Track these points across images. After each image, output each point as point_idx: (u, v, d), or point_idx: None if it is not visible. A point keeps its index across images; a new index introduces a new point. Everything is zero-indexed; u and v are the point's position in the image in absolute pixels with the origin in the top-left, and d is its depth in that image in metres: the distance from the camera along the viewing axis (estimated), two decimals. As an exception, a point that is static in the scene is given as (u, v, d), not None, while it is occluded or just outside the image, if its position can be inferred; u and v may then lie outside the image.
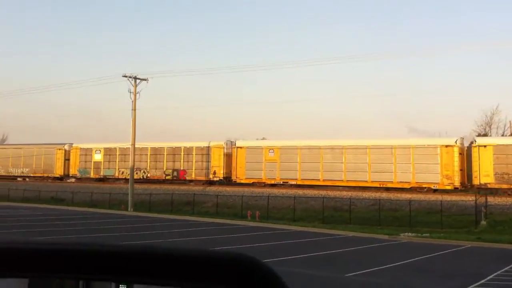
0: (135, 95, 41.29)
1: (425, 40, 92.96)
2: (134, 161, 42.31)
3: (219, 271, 0.94)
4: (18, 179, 58.77)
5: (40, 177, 57.05)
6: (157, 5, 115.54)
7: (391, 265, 16.52)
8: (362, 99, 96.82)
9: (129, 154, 43.38)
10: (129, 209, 39.66)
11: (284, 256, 17.08)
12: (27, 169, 57.88)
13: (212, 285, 0.94)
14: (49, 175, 56.28)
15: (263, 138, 57.66)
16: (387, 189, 39.18)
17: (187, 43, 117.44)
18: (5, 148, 62.66)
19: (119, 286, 1.07)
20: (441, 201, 33.29)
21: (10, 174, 59.10)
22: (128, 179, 43.29)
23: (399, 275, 14.92)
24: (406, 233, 27.26)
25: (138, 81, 41.59)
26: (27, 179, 58.48)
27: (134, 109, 41.31)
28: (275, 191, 42.05)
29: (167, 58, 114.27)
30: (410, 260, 17.91)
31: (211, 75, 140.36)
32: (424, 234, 27.02)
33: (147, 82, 41.77)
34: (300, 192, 40.75)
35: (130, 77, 41.38)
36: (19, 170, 58.71)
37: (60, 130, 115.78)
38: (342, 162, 41.09)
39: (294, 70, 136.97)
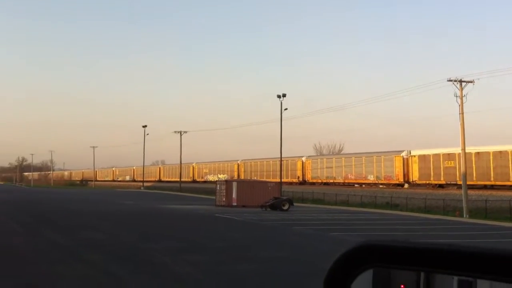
0: (461, 99, 40.57)
1: None
2: (465, 166, 41.43)
3: None
4: (355, 185, 64.19)
5: (374, 183, 61.13)
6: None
7: None
8: None
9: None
10: (464, 216, 38.99)
11: None
12: (372, 176, 62.19)
13: None
14: (388, 181, 59.60)
15: None
16: None
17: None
18: (348, 157, 68.84)
19: (462, 282, 1.12)
20: None
21: (348, 181, 65.12)
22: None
23: None
24: None
25: (463, 84, 40.76)
26: (363, 185, 63.37)
27: (462, 113, 40.60)
28: None
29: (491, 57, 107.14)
30: None
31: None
32: None
33: (473, 84, 40.61)
34: None
35: (455, 80, 40.89)
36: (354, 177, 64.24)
37: (388, 137, 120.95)
38: None
39: None
